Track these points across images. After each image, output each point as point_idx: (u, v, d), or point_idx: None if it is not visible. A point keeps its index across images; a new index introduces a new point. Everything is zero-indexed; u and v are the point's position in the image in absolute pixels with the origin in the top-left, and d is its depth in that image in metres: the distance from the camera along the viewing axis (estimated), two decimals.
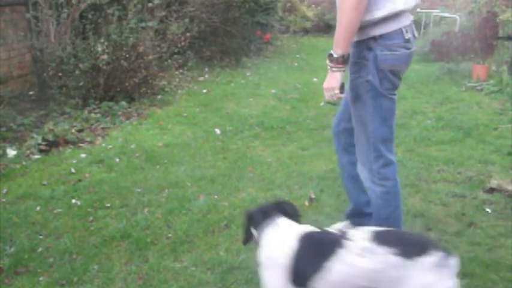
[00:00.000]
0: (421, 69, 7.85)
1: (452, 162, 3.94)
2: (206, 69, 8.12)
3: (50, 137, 4.41)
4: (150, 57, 5.99)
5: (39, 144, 4.31)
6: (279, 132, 4.85)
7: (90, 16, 5.73)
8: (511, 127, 4.83)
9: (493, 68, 7.20)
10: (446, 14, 10.21)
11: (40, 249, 2.69)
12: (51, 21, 5.75)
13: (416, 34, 2.25)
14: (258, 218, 1.96)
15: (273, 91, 6.69)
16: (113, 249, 2.70)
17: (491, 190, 3.39)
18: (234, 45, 8.82)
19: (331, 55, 2.12)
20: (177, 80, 7.14)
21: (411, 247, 1.62)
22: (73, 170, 3.83)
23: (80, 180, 3.64)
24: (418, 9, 10.38)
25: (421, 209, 3.14)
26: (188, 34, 7.09)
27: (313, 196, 3.31)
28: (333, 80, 2.15)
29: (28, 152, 4.22)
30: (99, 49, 5.39)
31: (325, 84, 2.19)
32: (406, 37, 2.13)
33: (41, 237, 2.83)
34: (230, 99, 6.27)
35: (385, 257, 1.61)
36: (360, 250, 1.65)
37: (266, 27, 10.33)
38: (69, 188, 3.50)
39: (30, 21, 5.87)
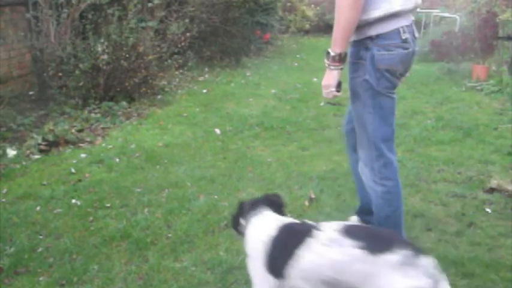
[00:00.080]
0: (421, 69, 7.84)
1: (452, 162, 3.95)
2: (206, 69, 8.12)
3: (50, 137, 4.41)
4: (150, 57, 5.99)
5: (39, 144, 4.31)
6: (279, 132, 4.85)
7: (90, 16, 5.73)
8: (511, 127, 4.83)
9: (493, 68, 7.21)
10: (446, 14, 10.21)
11: (40, 249, 2.69)
12: (51, 21, 5.76)
13: (417, 34, 2.27)
14: (246, 208, 2.05)
15: (273, 91, 6.69)
16: (113, 249, 2.70)
17: (491, 190, 3.39)
18: (234, 45, 8.82)
19: (328, 53, 2.15)
20: (177, 80, 7.14)
21: (377, 243, 1.61)
22: (73, 170, 3.84)
23: (80, 180, 3.64)
24: (418, 9, 10.35)
25: (421, 209, 3.15)
26: (188, 34, 7.08)
27: (313, 196, 3.31)
28: (330, 77, 2.19)
29: (28, 152, 4.22)
30: (99, 49, 5.39)
31: (323, 82, 2.23)
32: (403, 37, 2.15)
33: (41, 237, 2.83)
34: (230, 99, 6.27)
35: (349, 250, 1.61)
36: (327, 241, 1.67)
37: (266, 27, 10.33)
38: (69, 188, 3.50)
39: (30, 21, 5.87)
